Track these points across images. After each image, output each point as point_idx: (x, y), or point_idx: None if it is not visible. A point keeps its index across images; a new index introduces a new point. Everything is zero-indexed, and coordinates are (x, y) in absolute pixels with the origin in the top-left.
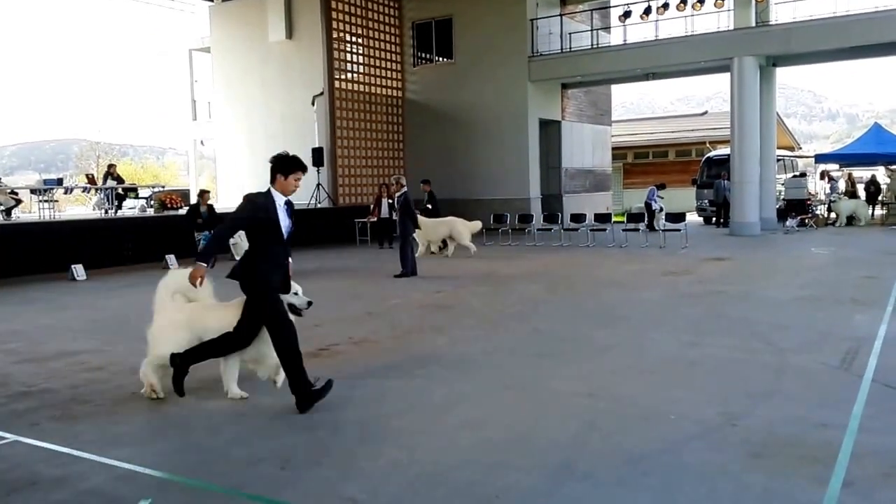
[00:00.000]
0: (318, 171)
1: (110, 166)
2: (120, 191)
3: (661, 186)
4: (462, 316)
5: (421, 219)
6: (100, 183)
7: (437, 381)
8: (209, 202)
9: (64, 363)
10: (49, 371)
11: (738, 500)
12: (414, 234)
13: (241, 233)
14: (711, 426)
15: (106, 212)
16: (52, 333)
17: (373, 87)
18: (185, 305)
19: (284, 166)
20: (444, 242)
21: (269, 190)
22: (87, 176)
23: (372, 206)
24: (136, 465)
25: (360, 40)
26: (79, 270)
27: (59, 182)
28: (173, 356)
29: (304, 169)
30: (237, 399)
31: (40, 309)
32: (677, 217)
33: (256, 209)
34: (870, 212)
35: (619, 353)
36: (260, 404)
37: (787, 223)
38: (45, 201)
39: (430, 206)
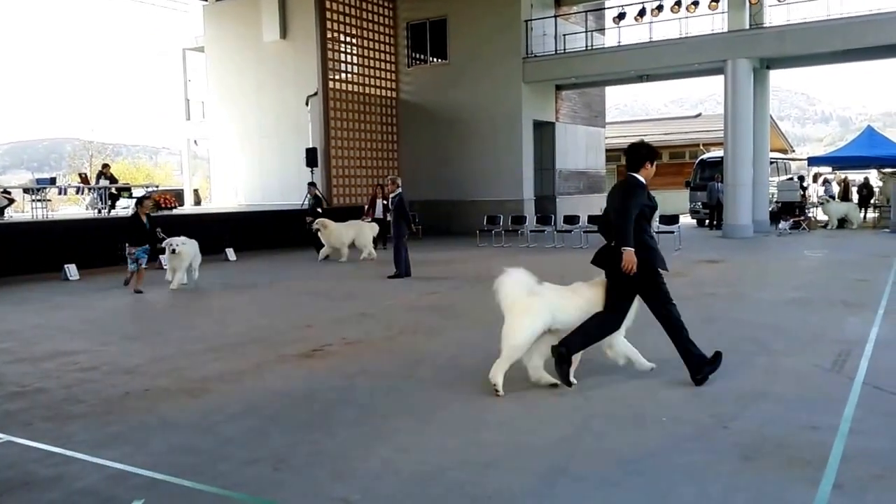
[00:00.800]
0: (311, 171)
1: (104, 166)
2: (113, 190)
3: None
4: (456, 317)
5: (330, 222)
6: (93, 182)
7: (429, 382)
8: (148, 211)
9: (57, 363)
10: (42, 371)
11: (730, 502)
12: (328, 239)
13: (186, 239)
14: (703, 428)
15: (99, 211)
16: (45, 333)
17: (367, 88)
18: (540, 290)
19: (653, 154)
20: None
21: (634, 177)
22: (80, 175)
23: (366, 207)
24: (129, 466)
25: (354, 40)
26: (72, 270)
27: (52, 181)
28: (554, 348)
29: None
30: (549, 384)
31: (33, 309)
32: (671, 219)
33: (646, 196)
34: (862, 214)
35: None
36: (255, 405)
37: (780, 226)
38: (38, 201)
39: (319, 210)
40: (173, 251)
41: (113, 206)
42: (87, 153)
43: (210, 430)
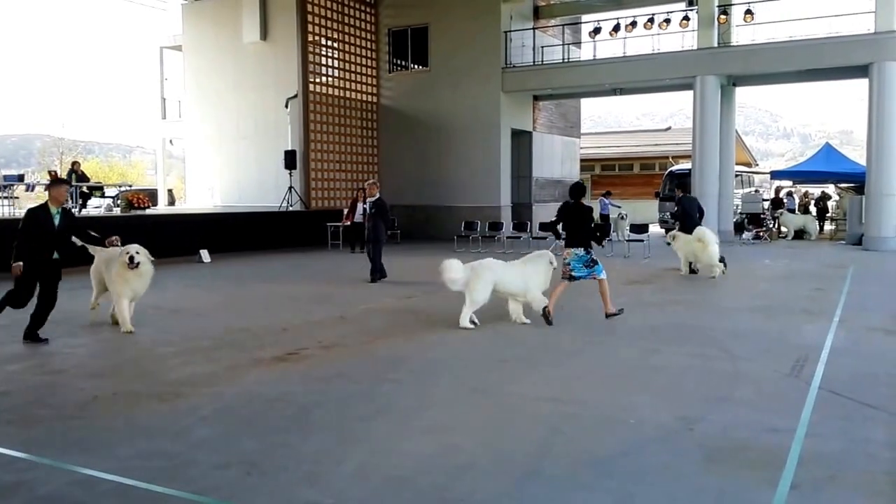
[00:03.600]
0: (290, 174)
1: (74, 163)
2: (85, 189)
3: (608, 194)
4: (432, 321)
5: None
6: None
7: (405, 386)
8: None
9: (23, 365)
10: (6, 374)
11: (694, 502)
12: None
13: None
14: (669, 430)
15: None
16: (10, 334)
17: (347, 92)
18: None
19: None
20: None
21: None
22: (49, 173)
23: (346, 210)
24: (95, 471)
25: (335, 45)
26: None
27: (20, 178)
28: None
29: None
30: None
31: None
32: (640, 228)
33: None
34: (819, 226)
35: (583, 359)
36: (227, 409)
37: (743, 236)
38: (5, 198)
39: None
40: (136, 265)
41: (84, 206)
42: (58, 150)
43: (181, 434)
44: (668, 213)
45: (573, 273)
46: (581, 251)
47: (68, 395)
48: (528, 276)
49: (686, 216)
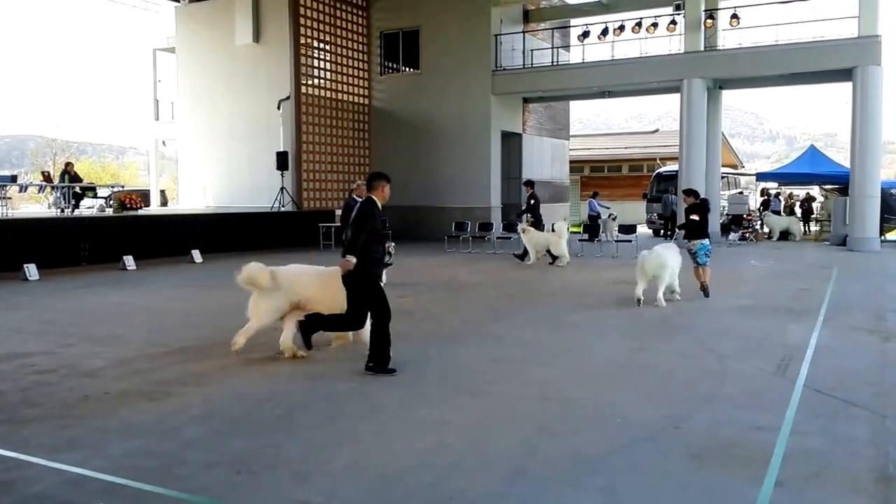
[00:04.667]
0: (282, 174)
1: (67, 164)
2: (77, 189)
3: (595, 195)
4: (422, 321)
5: None
6: (56, 181)
7: (395, 385)
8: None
9: (13, 365)
10: None
11: (680, 499)
12: None
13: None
14: (656, 428)
15: (62, 211)
16: (1, 334)
17: (339, 94)
18: None
19: None
20: None
21: None
22: (42, 173)
23: (339, 212)
24: (86, 470)
25: (327, 47)
26: (31, 270)
27: (13, 179)
28: None
29: None
30: None
31: None
32: (628, 229)
33: None
34: (803, 227)
35: (570, 357)
36: (217, 408)
37: (730, 237)
38: None
39: None
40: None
41: (77, 206)
42: (51, 151)
43: (171, 434)
44: (655, 214)
45: (699, 261)
46: (707, 241)
47: (58, 395)
48: (673, 261)
49: (536, 213)
